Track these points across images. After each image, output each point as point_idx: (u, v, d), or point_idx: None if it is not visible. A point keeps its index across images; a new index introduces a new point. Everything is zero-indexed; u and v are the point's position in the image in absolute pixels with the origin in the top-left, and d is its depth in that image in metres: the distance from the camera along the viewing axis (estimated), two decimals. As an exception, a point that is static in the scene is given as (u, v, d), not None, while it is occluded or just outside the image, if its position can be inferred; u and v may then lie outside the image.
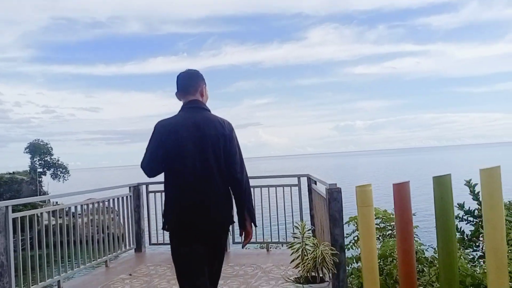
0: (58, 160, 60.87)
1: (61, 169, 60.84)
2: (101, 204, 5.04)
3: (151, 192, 5.65)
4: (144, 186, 5.65)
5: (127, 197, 5.46)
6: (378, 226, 5.09)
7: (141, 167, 2.39)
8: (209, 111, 2.50)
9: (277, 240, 5.47)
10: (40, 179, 55.79)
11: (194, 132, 2.34)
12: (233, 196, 2.48)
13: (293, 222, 5.16)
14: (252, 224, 2.51)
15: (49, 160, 60.17)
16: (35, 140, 60.74)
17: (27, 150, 58.98)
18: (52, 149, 60.99)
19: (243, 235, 2.52)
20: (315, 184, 4.80)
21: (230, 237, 5.28)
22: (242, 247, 2.83)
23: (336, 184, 3.24)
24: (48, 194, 54.89)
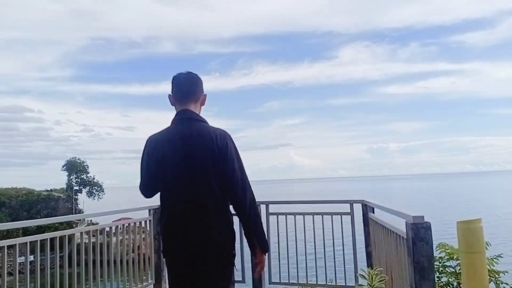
0: (93, 178, 62.21)
1: (96, 187, 62.07)
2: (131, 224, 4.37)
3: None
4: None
5: (145, 221, 4.68)
6: (454, 270, 4.03)
7: (139, 188, 2.24)
8: (204, 122, 2.17)
9: (324, 283, 4.45)
10: (76, 196, 57.04)
11: (180, 149, 2.05)
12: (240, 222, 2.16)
13: (344, 260, 4.18)
14: (264, 249, 2.15)
15: (85, 178, 61.58)
16: (72, 158, 62.47)
17: (64, 168, 60.67)
18: (88, 167, 62.49)
19: (256, 263, 2.23)
20: (373, 212, 3.88)
21: (266, 277, 4.34)
22: (254, 276, 2.65)
23: (423, 217, 2.28)
24: (83, 212, 55.93)
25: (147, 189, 2.21)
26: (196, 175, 2.02)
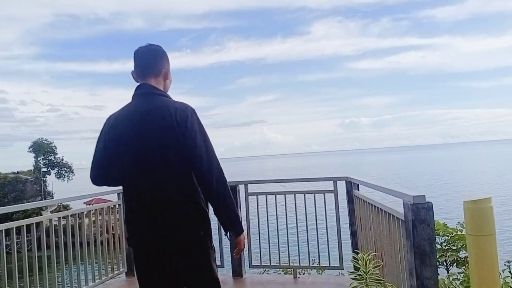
0: (62, 159, 60.40)
1: (65, 169, 60.33)
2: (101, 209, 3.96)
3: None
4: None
5: (114, 206, 4.30)
6: (441, 247, 3.91)
7: (90, 173, 2.00)
8: (165, 96, 1.97)
9: (307, 264, 4.25)
10: (44, 178, 55.33)
11: (136, 126, 1.86)
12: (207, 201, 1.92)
13: (327, 240, 3.97)
14: (237, 232, 1.93)
15: (53, 159, 59.69)
16: (39, 139, 60.20)
17: (31, 149, 58.51)
18: (56, 148, 60.54)
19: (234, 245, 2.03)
20: (358, 189, 3.67)
21: (246, 260, 4.09)
22: (232, 257, 2.35)
23: (424, 196, 2.04)
24: (52, 194, 54.48)
25: (98, 172, 1.98)
26: (154, 155, 1.83)
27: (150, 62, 1.98)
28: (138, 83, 1.98)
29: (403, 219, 2.19)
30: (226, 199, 1.87)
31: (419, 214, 2.02)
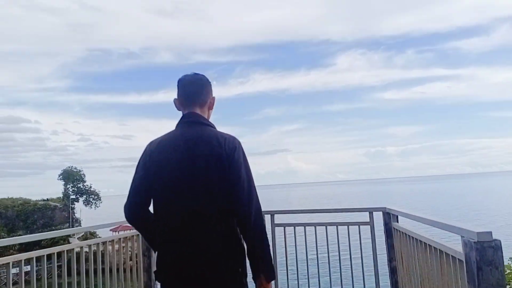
0: (90, 187, 61.55)
1: (93, 196, 61.39)
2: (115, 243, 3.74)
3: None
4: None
5: (134, 236, 4.08)
6: None
7: (127, 199, 1.93)
8: (211, 126, 1.95)
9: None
10: (72, 205, 56.37)
11: (182, 153, 1.83)
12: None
13: (364, 276, 3.56)
14: (269, 277, 1.80)
15: (81, 186, 60.94)
16: (69, 167, 61.79)
17: (61, 177, 59.99)
18: (84, 175, 61.88)
19: None
20: (397, 221, 3.29)
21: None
22: None
23: (491, 233, 1.69)
24: (80, 221, 55.29)
25: (133, 204, 1.91)
26: (197, 183, 1.78)
27: (197, 91, 1.98)
28: (184, 112, 1.97)
29: (463, 259, 1.84)
30: (263, 238, 1.80)
31: (486, 254, 1.67)
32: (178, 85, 2.01)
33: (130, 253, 4.08)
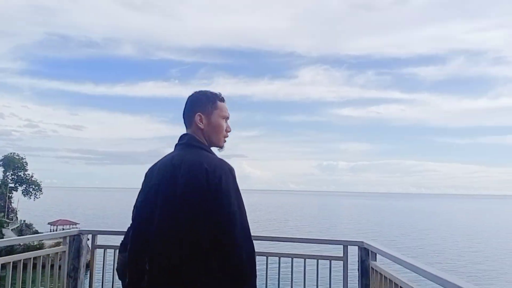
0: (32, 176, 58.34)
1: (33, 186, 58.13)
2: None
3: (100, 247, 3.48)
4: (88, 237, 3.47)
5: (60, 253, 3.33)
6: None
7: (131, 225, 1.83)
8: (204, 149, 1.76)
9: None
10: (10, 194, 52.96)
11: (167, 179, 1.67)
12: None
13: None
14: None
15: (22, 175, 57.59)
16: (11, 153, 58.07)
17: (1, 163, 56.19)
18: (27, 164, 58.59)
19: None
20: (375, 259, 2.89)
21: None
22: None
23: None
24: (16, 210, 51.96)
25: (134, 232, 1.77)
26: (180, 214, 1.59)
27: (184, 112, 1.86)
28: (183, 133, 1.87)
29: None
30: (253, 283, 1.57)
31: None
32: None
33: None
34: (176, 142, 1.84)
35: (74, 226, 42.23)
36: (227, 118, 1.87)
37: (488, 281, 29.35)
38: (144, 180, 1.81)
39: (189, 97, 1.87)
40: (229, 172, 1.65)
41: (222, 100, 1.86)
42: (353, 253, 2.99)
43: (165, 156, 1.81)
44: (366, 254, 2.93)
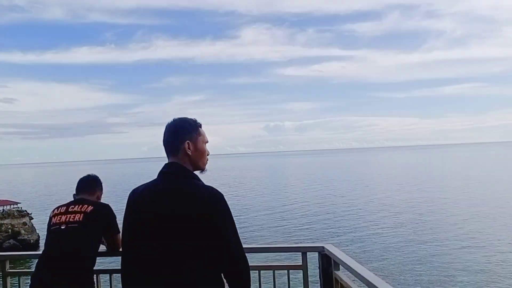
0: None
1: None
2: None
3: (12, 273, 2.91)
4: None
5: None
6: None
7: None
8: (193, 178, 1.80)
9: None
10: None
11: (151, 210, 1.68)
12: None
13: None
14: None
15: None
16: None
17: None
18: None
19: None
20: (338, 269, 2.47)
21: None
22: None
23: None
24: None
25: (123, 271, 1.77)
26: (168, 256, 1.62)
27: (168, 139, 1.86)
28: (168, 161, 1.85)
29: None
30: None
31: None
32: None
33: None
34: (160, 169, 1.83)
35: (15, 206, 39.92)
36: (207, 142, 1.94)
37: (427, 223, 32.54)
38: (130, 210, 1.79)
39: (172, 125, 1.88)
40: (223, 202, 1.70)
41: (201, 125, 1.93)
42: (312, 259, 2.65)
43: (151, 185, 1.80)
44: (327, 261, 2.53)
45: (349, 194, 51.35)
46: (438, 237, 27.83)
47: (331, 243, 2.64)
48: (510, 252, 23.80)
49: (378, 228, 31.27)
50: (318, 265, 2.61)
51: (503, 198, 41.72)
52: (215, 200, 1.68)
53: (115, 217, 2.56)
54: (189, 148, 1.81)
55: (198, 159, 1.86)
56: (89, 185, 2.70)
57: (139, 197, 1.77)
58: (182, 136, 1.83)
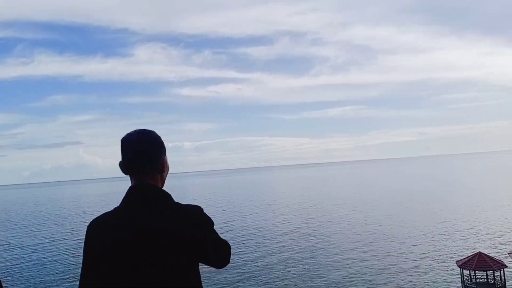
0: None
1: None
2: None
3: None
4: None
5: None
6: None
7: None
8: (170, 199, 1.57)
9: None
10: None
11: (137, 245, 1.44)
12: None
13: None
14: None
15: None
16: None
17: None
18: None
19: None
20: None
21: None
22: None
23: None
24: None
25: None
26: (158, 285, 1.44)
27: (141, 154, 1.57)
28: (134, 183, 1.58)
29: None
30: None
31: None
32: (121, 146, 1.61)
33: None
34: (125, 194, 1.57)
35: None
36: None
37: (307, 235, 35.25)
38: (90, 240, 1.52)
39: (142, 138, 1.60)
40: (207, 217, 1.56)
41: None
42: None
43: (118, 211, 1.53)
44: None
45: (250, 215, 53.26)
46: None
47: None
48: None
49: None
50: None
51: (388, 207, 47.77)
52: (200, 217, 1.53)
53: None
54: (165, 165, 1.63)
55: (165, 177, 1.67)
56: None
57: (110, 229, 1.49)
58: (160, 150, 1.62)
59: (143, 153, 1.57)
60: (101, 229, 1.51)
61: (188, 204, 1.55)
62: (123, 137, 1.62)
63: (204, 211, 1.56)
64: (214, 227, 1.58)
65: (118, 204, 1.55)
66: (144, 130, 1.63)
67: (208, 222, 1.54)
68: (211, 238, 1.55)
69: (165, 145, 1.65)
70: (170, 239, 1.44)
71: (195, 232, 1.47)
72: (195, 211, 1.53)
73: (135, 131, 1.62)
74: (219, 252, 1.57)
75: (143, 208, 1.50)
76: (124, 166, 1.60)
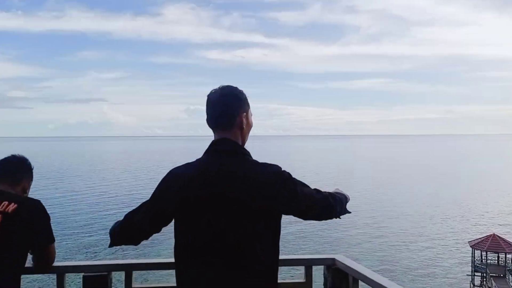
0: None
1: None
2: None
3: None
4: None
5: None
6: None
7: (114, 226, 1.66)
8: (246, 155, 1.56)
9: None
10: None
11: (208, 192, 1.46)
12: None
13: None
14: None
15: None
16: None
17: None
18: None
19: None
20: (356, 286, 1.86)
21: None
22: None
23: None
24: None
25: (124, 229, 1.64)
26: (238, 236, 1.43)
27: (222, 111, 1.60)
28: (217, 138, 1.60)
29: None
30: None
31: None
32: (206, 103, 1.64)
33: None
34: (208, 146, 1.59)
35: None
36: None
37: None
38: (171, 184, 1.55)
39: (224, 94, 1.61)
40: (289, 176, 1.50)
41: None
42: (318, 274, 2.07)
43: (201, 161, 1.55)
44: (339, 277, 1.93)
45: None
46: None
47: (343, 254, 2.05)
48: None
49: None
50: (324, 282, 2.03)
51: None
52: (282, 177, 1.48)
53: (49, 219, 1.79)
54: (245, 121, 1.61)
55: (247, 134, 1.65)
56: (11, 172, 1.85)
57: (182, 179, 1.52)
58: (241, 106, 1.62)
59: (220, 112, 1.59)
60: (179, 175, 1.55)
61: (265, 163, 1.53)
62: (208, 94, 1.64)
63: (283, 170, 1.52)
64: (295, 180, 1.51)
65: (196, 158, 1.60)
66: (225, 87, 1.64)
67: (286, 183, 1.47)
68: (301, 199, 1.49)
69: (242, 101, 1.63)
70: (239, 205, 1.43)
71: (268, 193, 1.44)
72: (276, 170, 1.49)
73: (218, 88, 1.64)
74: (312, 210, 1.54)
75: (222, 160, 1.51)
76: (207, 122, 1.64)
